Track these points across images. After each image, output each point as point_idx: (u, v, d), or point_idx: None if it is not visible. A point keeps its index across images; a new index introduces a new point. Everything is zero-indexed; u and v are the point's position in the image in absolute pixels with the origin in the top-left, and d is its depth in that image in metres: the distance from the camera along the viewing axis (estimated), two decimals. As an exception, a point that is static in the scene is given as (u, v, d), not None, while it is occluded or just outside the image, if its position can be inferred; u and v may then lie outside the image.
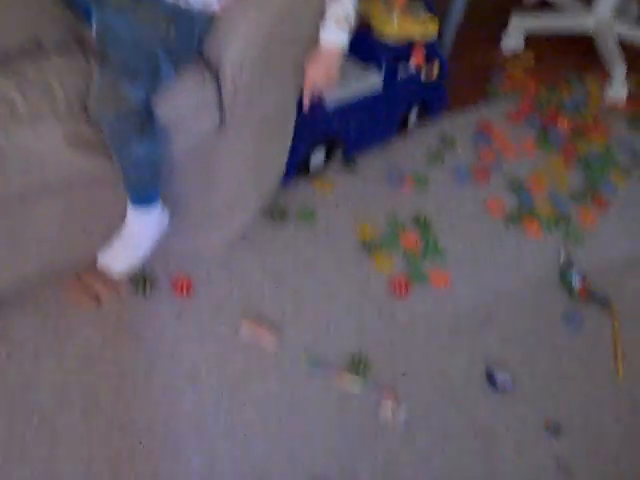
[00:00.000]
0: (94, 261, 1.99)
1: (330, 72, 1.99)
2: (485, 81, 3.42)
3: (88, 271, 2.06)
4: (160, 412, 1.87)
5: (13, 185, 1.69)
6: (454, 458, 1.96)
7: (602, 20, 3.67)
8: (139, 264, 2.02)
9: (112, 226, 1.94)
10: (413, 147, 2.87)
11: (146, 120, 1.75)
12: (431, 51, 2.68)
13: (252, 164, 2.08)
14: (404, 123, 2.82)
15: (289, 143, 2.20)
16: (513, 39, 3.70)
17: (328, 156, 2.57)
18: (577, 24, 3.72)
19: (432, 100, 2.88)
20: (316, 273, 2.28)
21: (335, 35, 1.93)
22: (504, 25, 3.71)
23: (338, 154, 2.62)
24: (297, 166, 2.47)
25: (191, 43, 1.84)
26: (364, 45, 2.53)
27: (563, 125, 3.17)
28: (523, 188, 2.78)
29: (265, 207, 2.37)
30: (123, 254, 1.97)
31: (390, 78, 2.60)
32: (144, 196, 1.90)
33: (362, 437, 1.94)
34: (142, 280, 2.11)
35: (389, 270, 2.35)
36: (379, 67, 2.57)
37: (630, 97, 3.52)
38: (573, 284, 2.39)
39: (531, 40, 3.73)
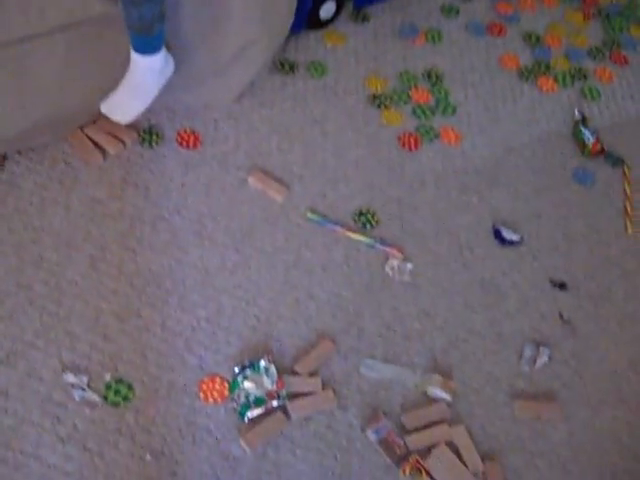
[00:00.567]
0: (99, 114, 1.95)
1: None
2: None
3: (93, 124, 2.04)
4: (166, 264, 1.89)
5: (14, 28, 1.65)
6: (458, 312, 1.98)
7: None
8: (142, 114, 1.98)
9: (115, 74, 1.89)
10: (427, -1, 2.77)
11: None
12: None
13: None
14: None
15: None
16: None
17: (339, 8, 2.48)
18: None
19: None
20: (325, 127, 2.24)
21: None
22: None
23: (349, 6, 2.53)
24: (307, 17, 2.39)
25: None
26: None
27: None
28: (539, 42, 2.69)
29: (274, 59, 2.31)
30: (126, 102, 1.93)
31: None
32: (146, 40, 1.83)
33: (368, 291, 1.96)
34: (149, 133, 2.08)
35: (399, 125, 2.30)
36: None
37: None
38: (586, 141, 2.35)
39: None
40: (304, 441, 1.72)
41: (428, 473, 1.70)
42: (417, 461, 1.70)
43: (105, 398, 1.67)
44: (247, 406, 1.71)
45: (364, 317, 1.92)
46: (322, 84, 2.34)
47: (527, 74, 2.54)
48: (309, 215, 2.05)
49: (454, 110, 2.39)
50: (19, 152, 1.97)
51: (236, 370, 1.75)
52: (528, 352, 1.94)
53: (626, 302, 2.10)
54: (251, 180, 2.06)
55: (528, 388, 1.90)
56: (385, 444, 1.73)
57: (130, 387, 1.70)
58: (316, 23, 2.45)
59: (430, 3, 2.72)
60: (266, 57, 2.18)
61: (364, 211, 2.09)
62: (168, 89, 1.98)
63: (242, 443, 1.67)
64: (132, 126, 2.05)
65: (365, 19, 2.57)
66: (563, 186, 2.29)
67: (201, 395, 1.72)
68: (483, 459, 1.76)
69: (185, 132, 2.12)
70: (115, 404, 1.67)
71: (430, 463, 1.72)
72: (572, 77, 2.58)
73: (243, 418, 1.70)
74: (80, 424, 1.63)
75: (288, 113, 2.24)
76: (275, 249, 1.98)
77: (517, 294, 2.05)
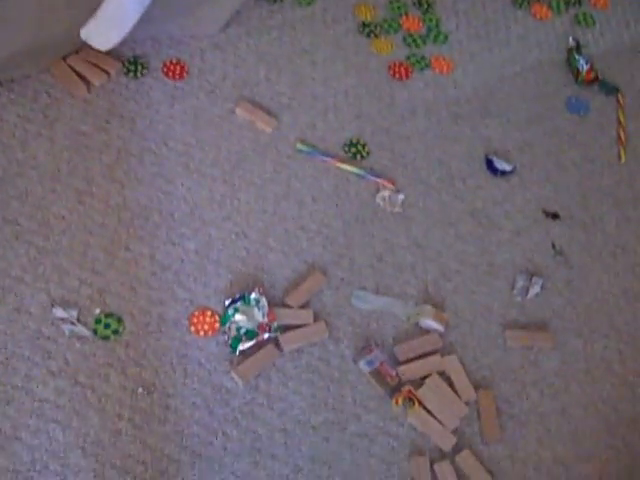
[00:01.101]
0: (81, 44, 1.90)
1: None
2: None
3: (76, 54, 1.99)
4: (154, 197, 1.86)
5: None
6: (450, 242, 1.96)
7: None
8: (126, 44, 1.93)
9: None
10: None
11: None
12: None
13: None
14: None
15: None
16: None
17: None
18: None
19: None
20: (314, 57, 2.19)
21: None
22: None
23: None
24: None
25: None
26: None
27: None
28: (533, -33, 2.64)
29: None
30: (105, 28, 1.86)
31: None
32: None
33: (358, 222, 1.94)
34: (133, 63, 2.03)
35: (389, 54, 2.25)
36: None
37: None
38: (580, 69, 2.30)
39: None
40: (296, 373, 1.71)
41: (420, 403, 1.70)
42: (409, 391, 1.70)
43: (95, 332, 1.66)
44: (238, 339, 1.70)
45: (355, 248, 1.90)
46: (310, 12, 2.28)
47: (520, 1, 2.48)
48: (298, 146, 2.01)
49: (446, 38, 2.33)
50: (0, 84, 1.92)
51: (227, 303, 1.74)
52: (520, 282, 1.94)
53: (619, 231, 2.09)
54: (239, 111, 2.02)
55: (520, 318, 1.90)
56: (377, 375, 1.73)
57: (120, 321, 1.68)
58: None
59: None
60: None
61: (354, 141, 2.06)
62: (152, 18, 1.92)
63: (234, 375, 1.66)
64: (116, 56, 2.00)
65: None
66: (556, 115, 2.26)
67: (192, 328, 1.71)
68: (475, 388, 1.77)
69: (171, 62, 2.07)
70: (105, 338, 1.66)
71: (422, 393, 1.72)
72: (566, 3, 2.52)
73: (234, 351, 1.69)
74: (71, 358, 1.62)
75: (276, 43, 2.19)
76: (264, 180, 1.95)
77: (509, 224, 2.03)
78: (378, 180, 2.00)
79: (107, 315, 1.68)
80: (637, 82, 2.39)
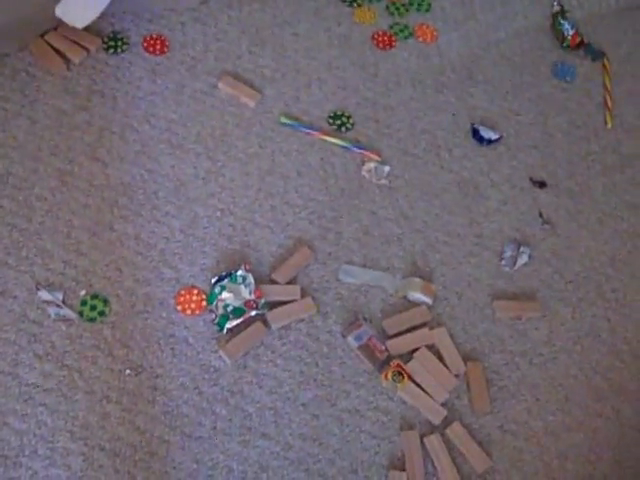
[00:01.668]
0: (58, 21, 1.87)
1: None
2: None
3: (54, 31, 1.95)
4: (137, 175, 1.84)
5: None
6: (437, 214, 1.95)
7: None
8: (105, 19, 1.90)
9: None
10: None
11: None
12: None
13: None
14: None
15: None
16: None
17: None
18: None
19: None
20: (296, 28, 2.16)
21: None
22: None
23: None
24: None
25: None
26: None
27: None
28: None
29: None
30: (81, 5, 1.83)
31: None
32: None
33: (344, 196, 1.93)
34: (113, 39, 2.00)
35: (372, 23, 2.22)
36: None
37: None
38: (565, 34, 2.28)
39: None
40: (284, 350, 1.71)
41: (410, 377, 1.70)
42: (399, 365, 1.70)
43: (81, 314, 1.64)
44: (226, 317, 1.69)
45: (341, 222, 1.89)
46: (292, -18, 2.25)
47: (504, -35, 2.46)
48: (282, 119, 1.99)
49: (429, 6, 2.30)
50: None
51: (213, 281, 1.73)
52: (508, 252, 1.93)
53: (606, 198, 2.08)
54: (221, 85, 2.00)
55: (509, 288, 1.89)
56: (366, 350, 1.72)
57: (106, 302, 1.67)
58: None
59: None
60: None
61: (339, 113, 2.03)
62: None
63: (222, 354, 1.66)
64: (96, 32, 1.97)
65: None
66: (542, 82, 2.24)
67: (179, 307, 1.70)
68: (465, 361, 1.76)
69: (151, 37, 2.04)
70: (91, 320, 1.64)
71: (412, 367, 1.72)
72: (550, -33, 2.50)
73: (222, 329, 1.68)
74: (57, 341, 1.61)
75: (257, 14, 2.15)
76: (249, 155, 1.93)
77: (496, 194, 2.02)
78: (363, 152, 1.98)
79: (93, 297, 1.67)
80: (623, 46, 2.37)
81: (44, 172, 1.79)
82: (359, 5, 2.24)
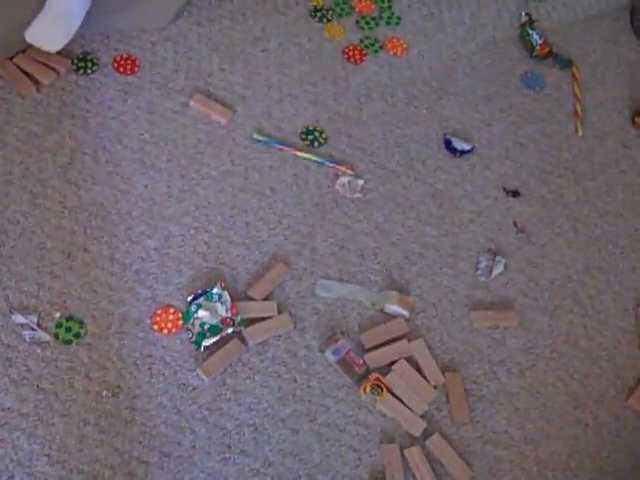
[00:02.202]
0: (27, 44, 1.86)
1: None
2: None
3: (23, 54, 1.94)
4: (111, 196, 1.83)
5: None
6: (412, 226, 1.96)
7: None
8: (74, 40, 1.89)
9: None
10: None
11: None
12: None
13: None
14: None
15: None
16: None
17: None
18: None
19: None
20: (266, 45, 2.16)
21: None
22: None
23: None
24: None
25: None
26: None
27: None
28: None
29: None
30: (52, 29, 1.83)
31: None
32: None
33: (319, 210, 1.93)
34: (83, 60, 1.99)
35: (342, 38, 2.23)
36: None
37: None
38: (534, 43, 2.29)
39: None
40: (262, 366, 1.70)
41: (389, 389, 1.70)
42: (377, 378, 1.70)
43: (56, 337, 1.63)
44: (203, 335, 1.68)
45: (316, 237, 1.89)
46: (261, -1, 2.26)
47: (472, -23, 2.47)
48: (255, 136, 1.99)
49: (399, 19, 2.32)
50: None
51: (189, 299, 1.72)
52: (483, 262, 1.94)
53: (579, 205, 2.09)
54: (193, 103, 2.00)
55: (485, 298, 1.90)
56: (344, 364, 1.72)
57: (81, 324, 1.66)
58: None
59: None
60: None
61: (311, 129, 2.04)
62: (99, 13, 1.90)
63: (200, 372, 1.65)
64: (65, 54, 1.96)
65: None
66: (513, 92, 2.26)
67: (155, 327, 1.69)
68: (443, 372, 1.77)
69: (121, 57, 2.04)
70: (67, 342, 1.63)
71: (390, 379, 1.72)
72: (518, -22, 2.52)
73: (199, 347, 1.67)
74: (32, 365, 1.60)
75: (227, 31, 2.16)
76: (222, 173, 1.93)
77: (470, 204, 2.03)
78: (337, 166, 1.99)
79: (68, 319, 1.66)
80: (591, 54, 2.39)
81: (16, 195, 1.78)
82: (329, 20, 2.25)
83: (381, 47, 2.24)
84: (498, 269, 1.93)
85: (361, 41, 2.24)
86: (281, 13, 2.23)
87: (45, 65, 1.95)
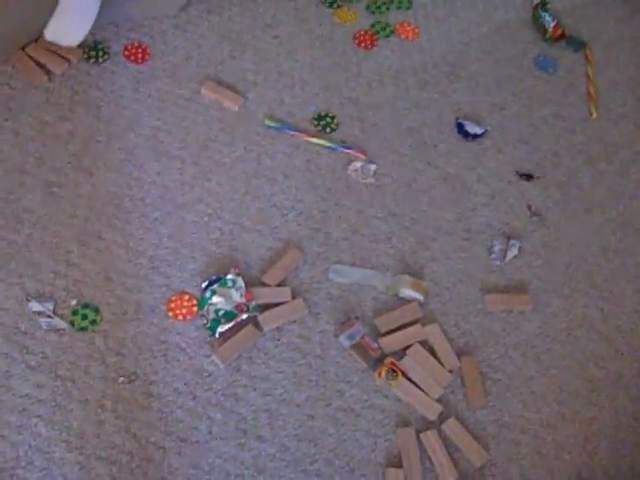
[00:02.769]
0: (39, 32, 1.87)
1: None
2: None
3: (34, 43, 1.95)
4: (124, 183, 1.84)
5: None
6: (425, 210, 1.95)
7: None
8: (87, 33, 1.90)
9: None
10: None
11: None
12: None
13: None
14: None
15: None
16: None
17: None
18: None
19: None
20: (277, 31, 2.16)
21: None
22: None
23: None
24: None
25: None
26: None
27: None
28: None
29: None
30: (71, 24, 1.84)
31: None
32: None
33: (332, 196, 1.93)
34: (94, 49, 2.00)
35: (353, 23, 2.22)
36: None
37: None
38: (546, 26, 2.28)
39: None
40: (277, 352, 1.71)
41: (404, 374, 1.70)
42: (392, 363, 1.70)
43: (72, 324, 1.64)
44: (217, 321, 1.69)
45: (330, 222, 1.89)
46: (271, -15, 2.26)
47: (483, -40, 2.46)
48: (267, 122, 1.99)
49: (410, 4, 2.31)
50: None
51: (203, 285, 1.73)
52: (497, 246, 1.93)
53: (593, 188, 2.08)
54: (204, 91, 2.00)
55: (499, 281, 1.90)
56: (359, 349, 1.72)
57: (97, 311, 1.67)
58: None
59: None
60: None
61: (323, 114, 2.04)
62: (110, 2, 1.90)
63: (215, 358, 1.65)
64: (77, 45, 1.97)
65: None
66: (525, 75, 2.25)
67: (170, 313, 1.70)
68: (458, 355, 1.76)
69: (132, 46, 2.04)
70: (83, 329, 1.64)
71: (405, 364, 1.72)
72: (530, -40, 2.50)
73: (214, 333, 1.68)
74: (49, 352, 1.61)
75: (237, 19, 2.16)
76: (234, 160, 1.93)
77: (484, 188, 2.02)
78: (349, 152, 1.99)
79: (84, 306, 1.67)
80: (604, 36, 2.38)
81: (30, 184, 1.79)
82: (340, 5, 2.25)
83: (392, 32, 2.23)
84: (512, 252, 1.92)
85: (372, 26, 2.23)
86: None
87: (57, 54, 1.95)
